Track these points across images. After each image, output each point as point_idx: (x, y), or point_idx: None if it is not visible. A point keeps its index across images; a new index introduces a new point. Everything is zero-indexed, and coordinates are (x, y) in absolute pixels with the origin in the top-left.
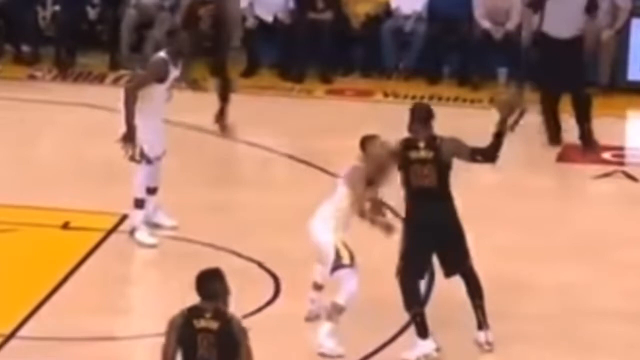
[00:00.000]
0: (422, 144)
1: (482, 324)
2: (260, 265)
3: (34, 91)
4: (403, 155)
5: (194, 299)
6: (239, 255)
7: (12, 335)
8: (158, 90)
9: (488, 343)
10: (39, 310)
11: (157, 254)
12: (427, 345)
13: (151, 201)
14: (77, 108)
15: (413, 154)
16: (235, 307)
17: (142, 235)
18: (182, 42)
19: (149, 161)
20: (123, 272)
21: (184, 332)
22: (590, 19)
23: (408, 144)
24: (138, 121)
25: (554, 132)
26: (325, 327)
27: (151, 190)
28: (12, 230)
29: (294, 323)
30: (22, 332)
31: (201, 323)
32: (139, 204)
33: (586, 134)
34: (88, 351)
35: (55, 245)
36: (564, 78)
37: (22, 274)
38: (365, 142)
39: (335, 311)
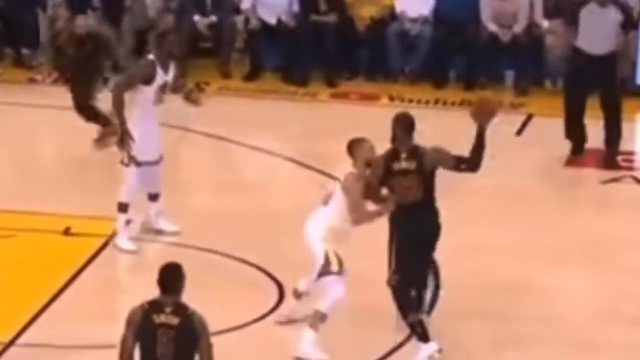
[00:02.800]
0: (404, 155)
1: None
2: (264, 271)
3: (34, 95)
4: (386, 167)
5: (195, 305)
6: (243, 261)
7: (11, 343)
8: (146, 93)
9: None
10: (39, 317)
11: (159, 261)
12: (430, 348)
13: (153, 207)
14: None
15: (396, 166)
16: (240, 313)
17: (122, 240)
18: (171, 45)
19: (138, 164)
20: (124, 278)
21: (143, 327)
22: (626, 35)
23: (391, 156)
24: (128, 125)
25: (578, 142)
26: (308, 335)
27: (153, 197)
28: (12, 237)
29: (300, 328)
30: (22, 340)
31: (161, 318)
32: (123, 208)
33: (614, 139)
34: (89, 359)
35: (56, 252)
36: (597, 91)
37: (23, 280)
38: (353, 146)
39: (318, 319)
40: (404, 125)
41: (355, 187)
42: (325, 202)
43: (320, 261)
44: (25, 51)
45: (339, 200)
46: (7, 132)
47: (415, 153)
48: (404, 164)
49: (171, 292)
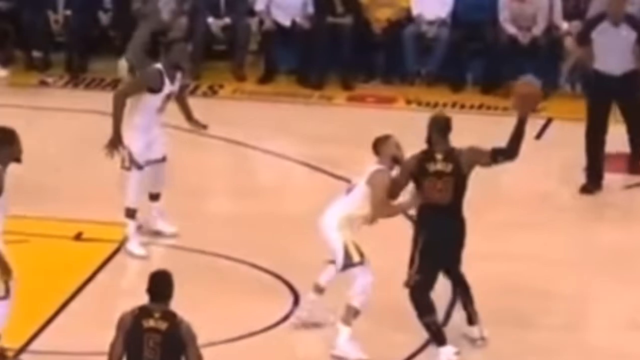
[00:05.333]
0: (440, 156)
1: (472, 319)
2: (278, 276)
3: (45, 98)
4: (420, 167)
5: (206, 311)
6: (256, 266)
7: (22, 349)
8: (150, 102)
9: (482, 338)
10: (50, 323)
11: (171, 266)
12: (448, 351)
13: (153, 207)
14: (89, 115)
15: (431, 167)
16: (254, 319)
17: (133, 245)
18: (178, 56)
19: (139, 167)
20: (136, 284)
21: (131, 332)
22: None
23: (425, 156)
24: (128, 130)
25: (594, 176)
26: (343, 332)
27: (153, 197)
28: (23, 242)
29: (314, 334)
30: (33, 346)
31: (150, 323)
32: (130, 213)
33: (637, 144)
34: None
35: (68, 257)
36: (619, 113)
37: (34, 286)
38: (379, 143)
39: (350, 314)
40: (438, 126)
41: (382, 182)
42: (348, 192)
43: (339, 252)
44: (35, 53)
45: (361, 193)
46: None
47: (452, 155)
48: (439, 165)
49: (160, 299)
